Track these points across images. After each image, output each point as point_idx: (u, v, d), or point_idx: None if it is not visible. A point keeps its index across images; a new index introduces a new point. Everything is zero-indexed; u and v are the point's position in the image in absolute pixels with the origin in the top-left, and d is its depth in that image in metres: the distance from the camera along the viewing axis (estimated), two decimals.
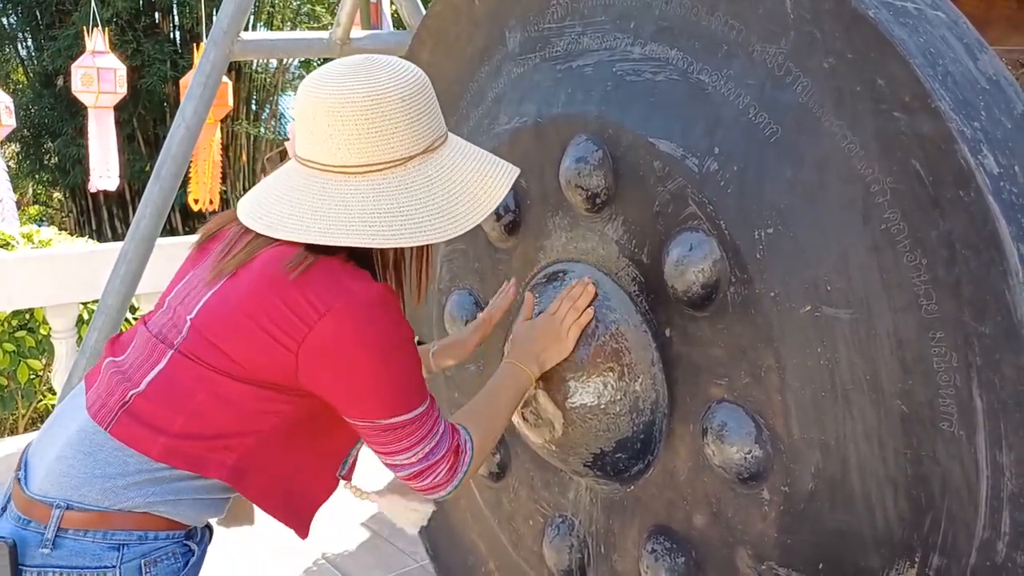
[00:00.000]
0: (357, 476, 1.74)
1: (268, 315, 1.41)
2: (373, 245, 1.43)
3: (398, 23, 6.30)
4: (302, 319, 1.40)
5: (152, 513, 1.46)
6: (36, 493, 1.46)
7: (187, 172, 7.88)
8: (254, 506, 1.69)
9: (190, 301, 1.50)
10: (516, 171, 1.56)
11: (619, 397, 1.77)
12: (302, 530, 1.62)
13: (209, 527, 1.65)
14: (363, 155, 1.42)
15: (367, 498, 1.81)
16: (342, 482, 1.68)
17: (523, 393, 1.77)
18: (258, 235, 1.48)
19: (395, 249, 1.58)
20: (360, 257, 1.50)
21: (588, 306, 1.80)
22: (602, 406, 1.79)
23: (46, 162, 13.81)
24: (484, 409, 1.70)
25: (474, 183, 1.50)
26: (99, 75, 7.35)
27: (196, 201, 8.43)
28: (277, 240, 1.46)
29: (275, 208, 1.47)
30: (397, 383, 1.47)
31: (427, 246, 1.61)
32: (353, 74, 1.43)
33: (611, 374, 1.77)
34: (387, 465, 1.54)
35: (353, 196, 1.43)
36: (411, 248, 1.60)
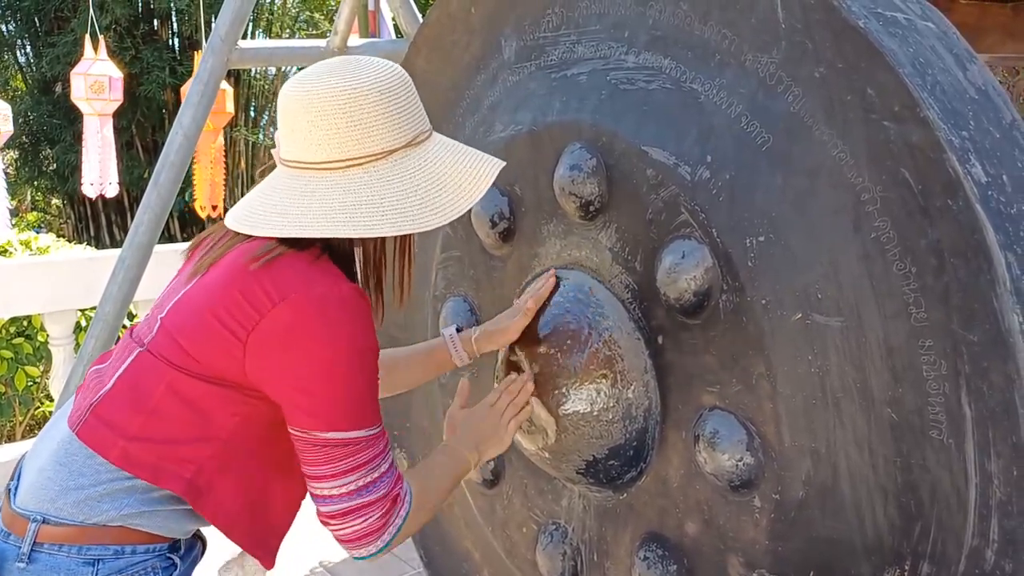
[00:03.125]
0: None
1: (225, 306, 1.40)
2: (354, 235, 1.42)
3: (396, 31, 6.31)
4: (255, 307, 1.38)
5: (128, 527, 1.43)
6: (18, 506, 1.46)
7: (192, 179, 7.91)
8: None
9: (165, 303, 1.50)
10: (500, 163, 1.53)
11: (612, 404, 1.78)
12: (267, 559, 1.56)
13: (201, 539, 1.62)
14: (343, 150, 1.41)
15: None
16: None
17: (461, 477, 1.70)
18: (235, 235, 1.48)
19: (375, 244, 1.55)
20: (339, 254, 1.49)
21: (526, 402, 1.82)
22: (595, 413, 1.79)
23: (44, 169, 13.81)
24: (423, 479, 1.59)
25: (458, 175, 1.48)
26: (111, 84, 7.35)
27: (203, 208, 8.44)
28: (251, 237, 1.45)
29: (260, 209, 1.46)
30: (347, 392, 1.41)
31: (408, 243, 1.58)
32: (331, 72, 1.43)
33: (604, 381, 1.78)
34: (314, 497, 1.45)
35: (334, 190, 1.41)
36: (393, 243, 1.56)
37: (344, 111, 1.40)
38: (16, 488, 1.50)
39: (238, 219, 1.48)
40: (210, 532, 1.61)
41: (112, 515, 1.42)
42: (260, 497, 1.53)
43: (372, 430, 1.44)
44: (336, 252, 1.48)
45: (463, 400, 1.85)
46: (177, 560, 1.52)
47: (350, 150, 1.42)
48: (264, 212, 1.45)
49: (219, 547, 1.72)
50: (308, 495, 1.54)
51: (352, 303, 1.41)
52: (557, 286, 1.89)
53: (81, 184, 7.93)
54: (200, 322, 1.42)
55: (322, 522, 1.47)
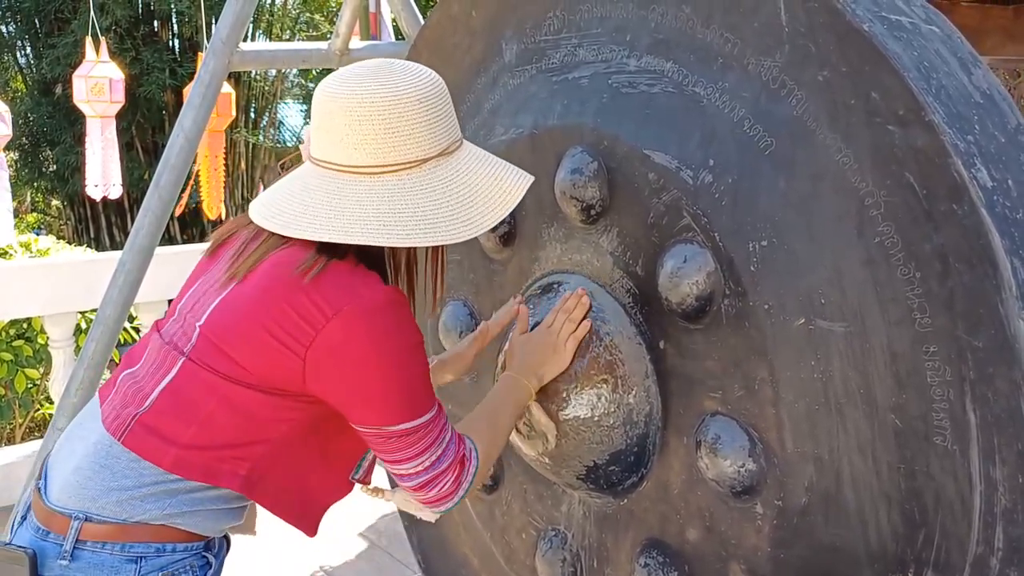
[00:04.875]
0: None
1: (275, 320, 1.40)
2: (387, 244, 1.43)
3: (397, 33, 6.31)
4: (309, 323, 1.39)
5: (169, 525, 1.46)
6: (55, 504, 1.47)
7: (196, 180, 7.89)
8: (256, 516, 1.69)
9: (200, 307, 1.50)
10: (531, 178, 1.56)
11: (613, 409, 1.77)
12: (310, 530, 1.62)
13: (227, 538, 1.65)
14: (379, 155, 1.42)
15: (383, 496, 1.80)
16: (358, 485, 1.68)
17: (523, 406, 1.77)
18: (269, 237, 1.48)
19: (408, 252, 1.58)
20: (371, 260, 1.50)
21: (584, 318, 1.79)
22: (596, 418, 1.78)
23: (44, 170, 13.80)
24: (485, 422, 1.68)
25: (489, 186, 1.50)
26: (111, 86, 7.33)
27: (210, 208, 8.42)
28: (287, 242, 1.46)
29: (289, 208, 1.46)
30: (405, 389, 1.46)
31: (441, 250, 1.61)
32: (371, 76, 1.44)
33: (605, 386, 1.77)
34: (393, 474, 1.53)
35: (368, 196, 1.42)
36: (425, 251, 1.59)
37: (382, 117, 1.41)
38: (46, 487, 1.51)
39: (265, 216, 1.48)
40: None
41: (155, 514, 1.45)
42: (305, 480, 1.56)
43: (431, 412, 1.50)
44: (369, 256, 1.49)
45: (523, 326, 1.86)
46: (211, 558, 1.54)
47: (385, 157, 1.42)
48: (294, 212, 1.45)
49: (235, 548, 1.73)
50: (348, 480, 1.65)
51: (394, 304, 1.44)
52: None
53: (84, 186, 7.91)
54: (249, 335, 1.42)
55: (404, 489, 1.55)
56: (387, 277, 1.55)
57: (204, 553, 1.52)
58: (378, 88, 1.41)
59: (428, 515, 1.66)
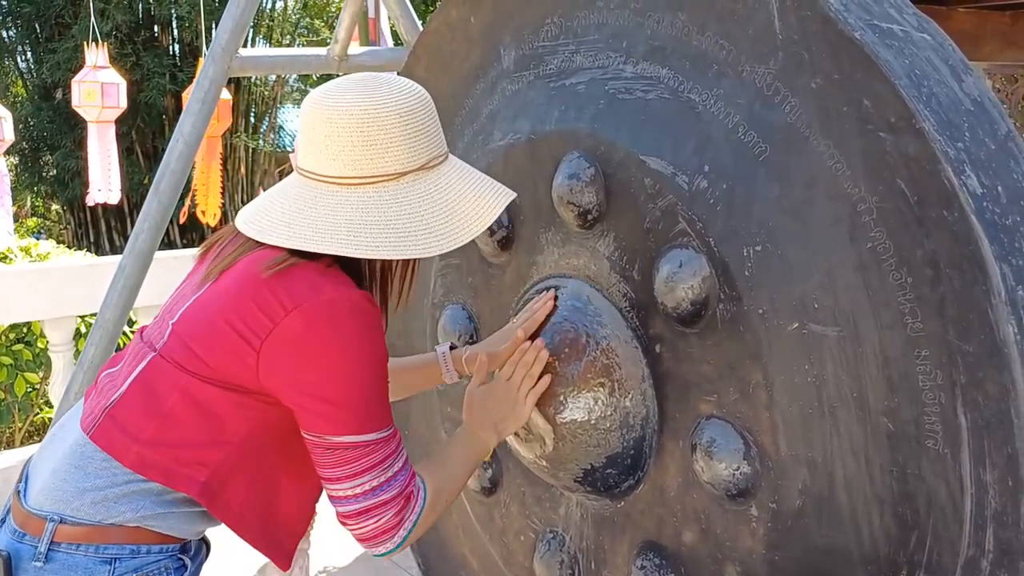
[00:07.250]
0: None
1: (238, 314, 1.41)
2: (356, 255, 1.44)
3: (395, 39, 6.33)
4: (268, 315, 1.40)
5: (144, 527, 1.46)
6: (32, 507, 1.47)
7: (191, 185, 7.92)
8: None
9: (176, 308, 1.52)
10: (512, 195, 1.55)
11: (609, 413, 1.78)
12: (283, 561, 1.57)
13: (206, 541, 1.65)
14: (357, 167, 1.43)
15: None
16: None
17: (480, 460, 1.71)
18: (246, 241, 1.50)
19: (382, 263, 1.58)
20: (347, 264, 1.50)
21: (543, 373, 1.78)
22: (592, 422, 1.80)
23: (44, 175, 13.82)
24: (439, 470, 1.61)
25: (467, 202, 1.50)
26: (103, 90, 7.34)
27: (204, 213, 8.45)
28: (263, 244, 1.47)
29: (268, 215, 1.48)
30: (357, 397, 1.43)
31: (413, 262, 1.61)
32: (354, 88, 1.45)
33: (602, 390, 1.78)
34: (331, 499, 1.47)
35: (343, 206, 1.43)
36: (399, 260, 1.59)
37: (360, 129, 1.42)
38: (26, 490, 1.52)
39: (248, 221, 1.50)
40: (214, 534, 1.64)
41: (129, 516, 1.45)
42: (271, 497, 1.54)
43: (384, 432, 1.46)
44: (344, 262, 1.49)
45: (482, 376, 1.82)
46: (188, 561, 1.54)
47: (363, 168, 1.43)
48: (272, 219, 1.47)
49: (222, 549, 1.73)
50: (320, 498, 1.58)
51: (362, 310, 1.43)
52: (554, 310, 1.88)
53: (86, 190, 7.94)
54: (213, 329, 1.43)
55: (340, 522, 1.49)
56: (363, 283, 1.55)
57: (180, 555, 1.52)
58: (359, 100, 1.43)
59: None
